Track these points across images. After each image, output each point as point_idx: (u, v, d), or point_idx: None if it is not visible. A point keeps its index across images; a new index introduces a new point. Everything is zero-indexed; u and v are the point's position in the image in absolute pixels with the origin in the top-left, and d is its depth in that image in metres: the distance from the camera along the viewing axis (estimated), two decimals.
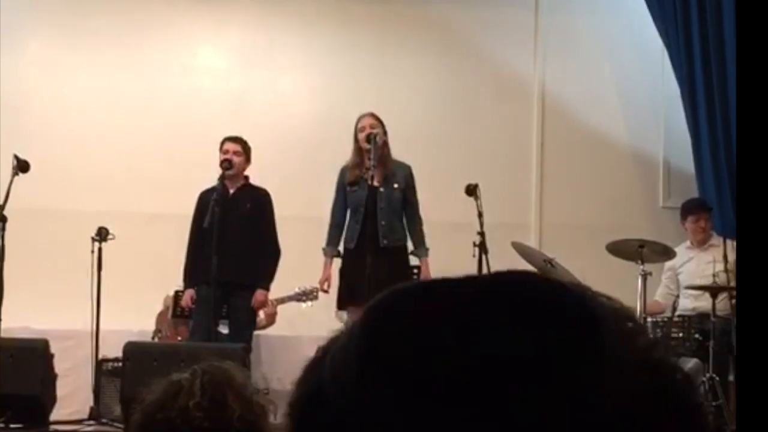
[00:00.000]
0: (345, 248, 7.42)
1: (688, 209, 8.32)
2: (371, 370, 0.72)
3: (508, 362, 0.70)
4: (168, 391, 2.14)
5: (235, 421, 2.11)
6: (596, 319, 0.73)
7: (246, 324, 7.63)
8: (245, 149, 7.72)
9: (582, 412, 0.69)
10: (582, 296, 0.75)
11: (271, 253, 7.65)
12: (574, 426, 0.69)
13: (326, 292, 7.51)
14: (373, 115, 7.50)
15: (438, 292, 0.77)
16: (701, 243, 8.17)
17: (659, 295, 8.19)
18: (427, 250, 7.49)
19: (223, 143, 7.73)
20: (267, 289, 7.63)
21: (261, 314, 8.20)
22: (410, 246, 7.52)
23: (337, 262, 7.54)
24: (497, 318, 0.72)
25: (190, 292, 7.55)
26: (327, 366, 0.77)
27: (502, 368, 0.70)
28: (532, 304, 0.73)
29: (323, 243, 7.57)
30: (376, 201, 7.31)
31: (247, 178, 7.77)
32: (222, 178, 7.58)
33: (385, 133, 7.46)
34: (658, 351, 0.74)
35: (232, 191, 7.62)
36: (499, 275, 0.77)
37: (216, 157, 7.68)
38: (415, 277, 7.55)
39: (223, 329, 7.66)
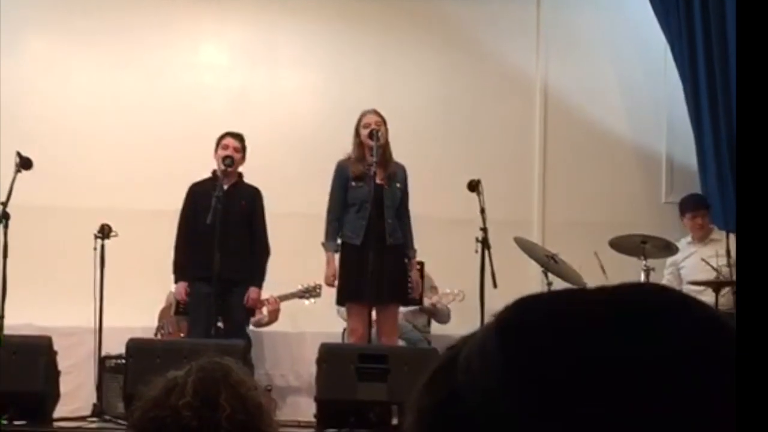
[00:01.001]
0: (347, 244, 7.40)
1: (686, 206, 8.32)
2: (516, 378, 0.74)
3: (646, 366, 0.73)
4: (162, 388, 2.14)
5: (224, 420, 2.11)
6: (724, 328, 0.78)
7: (242, 320, 7.65)
8: (244, 147, 7.72)
9: (713, 413, 0.74)
10: (704, 306, 0.80)
11: (263, 252, 7.68)
12: (707, 425, 0.74)
13: (334, 286, 7.51)
14: (376, 112, 7.49)
15: (571, 302, 0.79)
16: (701, 239, 8.18)
17: None
18: (415, 252, 7.54)
19: (222, 138, 7.72)
20: (260, 287, 7.64)
21: (264, 311, 8.21)
22: (417, 242, 7.53)
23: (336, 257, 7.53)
24: (630, 327, 0.75)
25: (183, 285, 7.55)
26: (462, 371, 0.78)
27: (640, 372, 0.73)
28: (663, 313, 0.77)
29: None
30: (383, 198, 7.31)
31: (240, 175, 7.77)
32: (215, 172, 7.60)
33: (387, 131, 7.47)
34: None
35: (226, 187, 7.61)
36: (624, 286, 0.80)
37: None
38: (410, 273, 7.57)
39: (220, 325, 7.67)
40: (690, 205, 8.33)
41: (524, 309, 0.79)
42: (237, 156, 7.65)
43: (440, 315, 8.38)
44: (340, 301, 7.52)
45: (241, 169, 7.78)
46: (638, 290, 0.80)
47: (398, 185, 7.44)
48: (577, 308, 0.78)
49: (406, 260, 7.47)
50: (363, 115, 7.49)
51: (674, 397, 0.73)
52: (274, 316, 8.28)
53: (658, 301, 0.79)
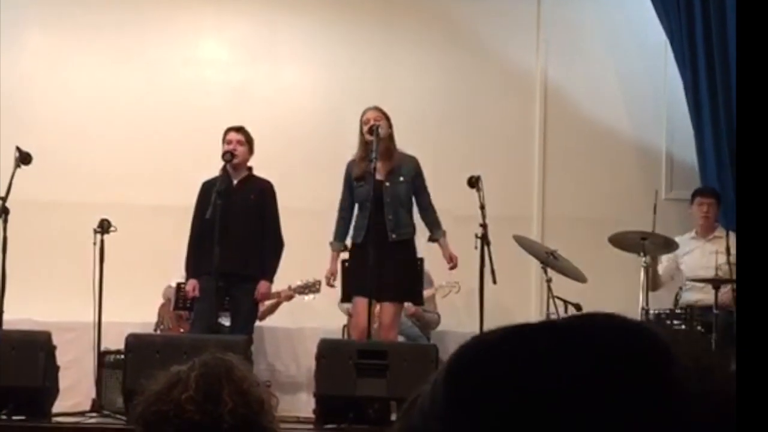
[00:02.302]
0: (352, 243, 7.42)
1: (696, 192, 8.36)
2: (457, 414, 0.79)
3: (581, 399, 0.76)
4: (166, 383, 2.15)
5: (226, 414, 2.11)
6: (667, 355, 0.78)
7: (248, 316, 7.62)
8: (248, 139, 7.70)
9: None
10: (655, 334, 0.81)
11: (275, 246, 7.64)
12: None
13: (332, 286, 7.51)
14: (377, 108, 7.50)
15: (514, 340, 0.82)
16: (705, 231, 8.16)
17: (661, 271, 8.16)
18: (443, 231, 7.48)
19: (226, 133, 7.72)
20: (271, 281, 7.62)
21: (266, 303, 8.22)
22: (417, 238, 7.51)
23: (342, 256, 7.54)
24: (570, 365, 0.77)
25: (193, 282, 7.55)
26: (417, 411, 0.83)
27: (575, 404, 0.75)
28: (606, 348, 0.79)
29: (326, 235, 7.57)
30: (382, 195, 7.31)
31: (250, 168, 7.76)
32: (225, 168, 7.58)
33: (390, 126, 7.46)
34: (726, 387, 0.80)
35: (235, 182, 7.61)
36: (575, 320, 0.83)
37: (219, 149, 7.68)
38: (419, 268, 7.57)
39: (225, 321, 7.67)
40: (700, 190, 8.37)
41: (471, 348, 0.83)
42: (240, 149, 7.62)
43: (426, 324, 8.34)
44: (345, 297, 7.54)
45: (250, 163, 7.76)
46: (580, 321, 0.83)
47: (402, 179, 7.42)
48: (518, 344, 0.81)
49: (413, 254, 7.43)
50: (364, 112, 7.50)
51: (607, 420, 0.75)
52: (272, 309, 8.29)
53: (604, 334, 0.80)
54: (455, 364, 0.81)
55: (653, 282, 7.93)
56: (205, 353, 2.25)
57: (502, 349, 0.80)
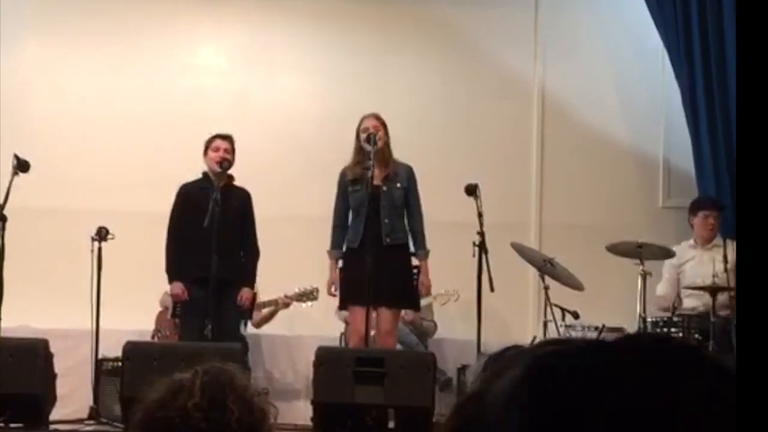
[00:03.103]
0: (348, 248, 7.41)
1: (700, 204, 8.33)
2: (537, 416, 0.81)
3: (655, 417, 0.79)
4: (169, 390, 2.14)
5: (233, 422, 2.11)
6: (731, 377, 0.83)
7: (236, 321, 7.67)
8: (233, 148, 7.72)
9: None
10: (715, 359, 0.86)
11: (254, 253, 7.68)
12: None
13: (334, 295, 7.50)
14: (375, 116, 7.50)
15: (593, 352, 0.86)
16: (706, 241, 8.16)
17: (662, 288, 8.16)
18: (427, 252, 7.48)
19: (213, 140, 7.71)
20: (253, 287, 7.64)
21: (263, 312, 8.23)
22: (411, 246, 7.52)
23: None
24: (646, 380, 0.81)
25: (180, 285, 7.53)
26: (489, 405, 0.85)
27: (656, 424, 0.79)
28: (680, 368, 0.83)
29: (323, 243, 7.56)
30: (378, 199, 7.31)
31: (231, 177, 7.76)
32: (206, 174, 7.60)
33: (387, 134, 7.46)
34: None
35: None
36: (637, 340, 0.88)
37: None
38: (415, 277, 7.57)
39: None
40: (704, 203, 8.35)
41: (553, 358, 0.86)
42: (230, 157, 7.65)
43: (423, 332, 8.33)
44: (343, 305, 7.53)
45: (234, 170, 7.77)
46: (655, 345, 0.86)
47: (398, 185, 7.43)
48: (600, 359, 0.84)
49: (409, 260, 7.44)
50: (362, 119, 7.50)
51: None
52: (269, 317, 8.30)
53: (670, 354, 0.84)
54: (540, 369, 0.84)
55: (664, 302, 7.97)
56: (205, 363, 2.24)
57: (584, 364, 0.84)
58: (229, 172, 7.70)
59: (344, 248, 7.44)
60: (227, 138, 7.70)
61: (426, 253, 7.47)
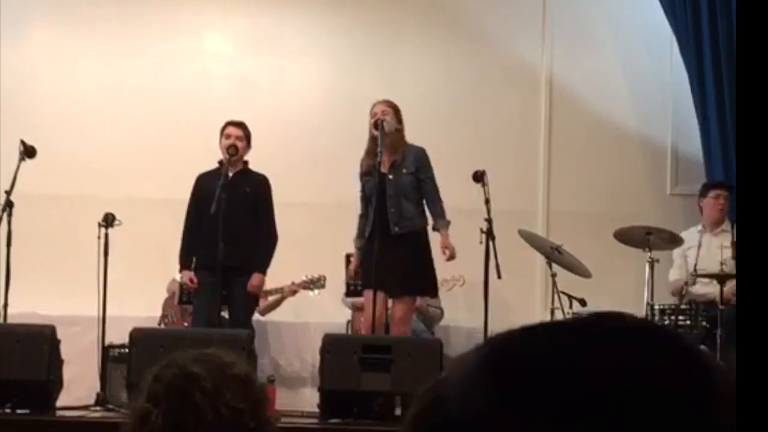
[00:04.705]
0: (365, 237, 7.41)
1: (710, 185, 8.30)
2: (502, 399, 0.80)
3: (635, 398, 0.77)
4: (133, 420, 2.13)
5: (213, 418, 2.09)
6: (710, 365, 0.82)
7: (246, 309, 7.63)
8: (247, 134, 7.70)
9: None
10: (686, 339, 0.84)
11: (269, 239, 7.63)
12: None
13: (354, 280, 7.54)
14: (386, 102, 7.46)
15: (557, 334, 0.84)
16: (715, 225, 8.11)
17: (674, 274, 8.12)
18: (447, 222, 7.40)
19: (225, 127, 7.71)
20: (264, 273, 7.61)
21: (269, 299, 8.22)
22: (429, 227, 7.49)
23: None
24: (613, 359, 0.80)
25: (189, 274, 7.54)
26: (450, 387, 0.85)
27: (628, 402, 0.77)
28: (648, 345, 0.82)
29: (330, 229, 7.60)
30: (385, 188, 7.30)
31: (246, 163, 7.75)
32: (221, 162, 7.60)
33: (398, 120, 7.42)
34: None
35: (231, 175, 7.60)
36: (603, 318, 0.85)
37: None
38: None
39: (225, 314, 7.68)
40: (715, 183, 8.32)
41: (513, 340, 0.84)
42: (240, 144, 7.63)
43: (429, 319, 8.32)
44: (351, 292, 7.58)
45: (247, 157, 7.77)
46: (615, 321, 0.84)
47: (405, 171, 7.38)
48: (565, 340, 0.82)
49: (423, 246, 7.38)
50: (373, 106, 7.47)
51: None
52: (276, 304, 8.30)
53: (632, 331, 0.83)
54: (498, 356, 0.83)
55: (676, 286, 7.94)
56: (166, 368, 2.20)
57: (546, 343, 0.82)
58: (246, 157, 7.70)
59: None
60: (239, 125, 7.70)
61: (446, 223, 7.37)
